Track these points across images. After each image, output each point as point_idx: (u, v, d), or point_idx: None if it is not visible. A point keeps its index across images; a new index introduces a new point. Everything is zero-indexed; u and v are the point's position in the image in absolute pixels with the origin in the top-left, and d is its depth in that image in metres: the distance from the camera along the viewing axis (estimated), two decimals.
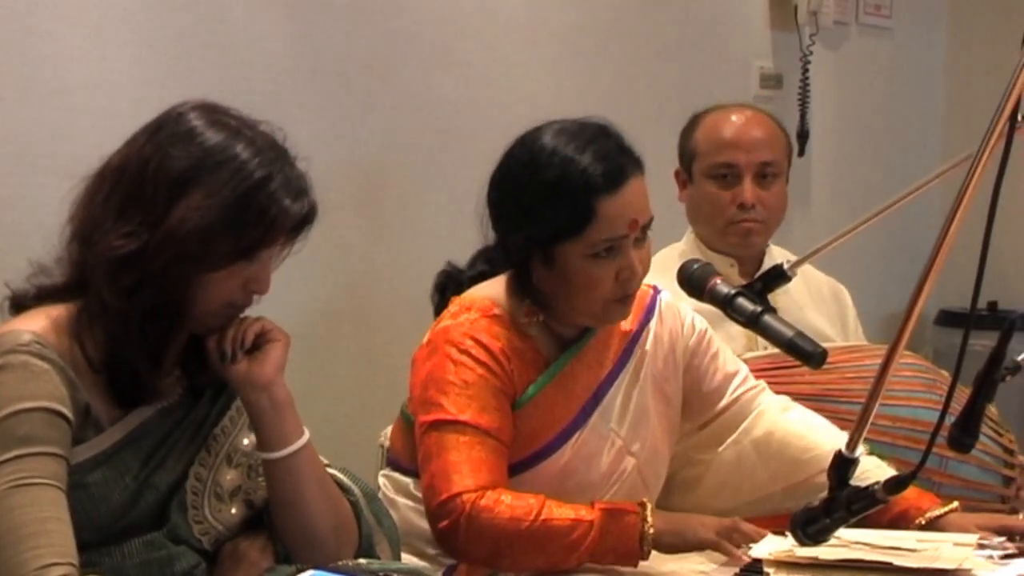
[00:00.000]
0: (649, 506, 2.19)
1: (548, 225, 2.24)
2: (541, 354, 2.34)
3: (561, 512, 2.17)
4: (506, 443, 2.25)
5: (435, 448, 2.22)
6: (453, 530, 2.17)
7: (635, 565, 2.18)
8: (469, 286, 2.40)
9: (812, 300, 3.13)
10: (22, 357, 1.84)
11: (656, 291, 2.48)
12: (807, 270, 3.05)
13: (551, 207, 2.23)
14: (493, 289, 2.36)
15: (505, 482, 2.22)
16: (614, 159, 2.25)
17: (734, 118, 3.05)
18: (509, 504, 2.16)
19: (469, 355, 2.26)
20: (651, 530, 2.16)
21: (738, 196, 2.99)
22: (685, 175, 3.08)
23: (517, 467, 2.30)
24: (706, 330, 2.51)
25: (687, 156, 3.07)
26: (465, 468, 2.19)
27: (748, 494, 2.48)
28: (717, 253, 3.03)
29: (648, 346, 2.43)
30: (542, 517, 2.16)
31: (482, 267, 2.43)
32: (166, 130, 1.95)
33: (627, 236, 2.25)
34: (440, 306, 2.43)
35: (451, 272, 2.48)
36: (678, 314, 2.48)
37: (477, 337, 2.28)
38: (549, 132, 2.29)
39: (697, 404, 2.50)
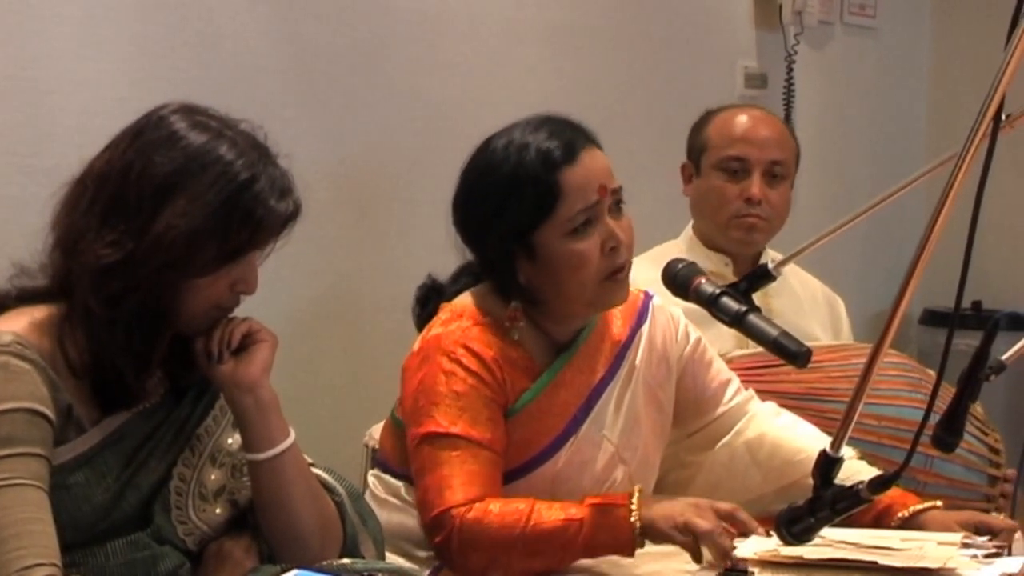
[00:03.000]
0: (636, 497, 2.15)
1: (519, 214, 2.24)
2: (534, 362, 2.33)
3: (551, 514, 2.16)
4: (499, 453, 2.24)
5: (428, 462, 2.22)
6: (447, 545, 2.17)
7: (631, 555, 2.16)
8: (452, 299, 2.38)
9: (807, 306, 3.14)
10: (2, 358, 1.83)
11: (647, 296, 2.47)
12: (803, 276, 3.07)
13: (517, 195, 2.24)
14: (480, 296, 2.35)
15: (498, 492, 2.21)
16: (565, 134, 2.28)
17: (748, 115, 3.08)
18: (498, 513, 2.15)
19: (460, 364, 2.25)
20: (637, 523, 2.13)
21: (745, 190, 3.00)
22: (692, 168, 3.10)
23: (510, 475, 2.29)
24: (700, 338, 2.50)
25: (696, 149, 3.09)
26: (456, 482, 2.18)
27: (740, 495, 2.47)
28: (714, 251, 3.03)
29: (641, 351, 2.41)
30: (532, 521, 2.15)
31: (466, 281, 2.40)
32: (147, 134, 1.93)
33: (600, 202, 2.25)
34: (421, 319, 2.41)
35: (433, 285, 2.45)
36: (671, 319, 2.47)
37: (469, 345, 2.26)
38: (497, 137, 2.32)
39: (692, 412, 2.50)
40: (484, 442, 2.22)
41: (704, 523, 2.12)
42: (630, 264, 2.31)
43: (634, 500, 2.16)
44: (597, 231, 2.25)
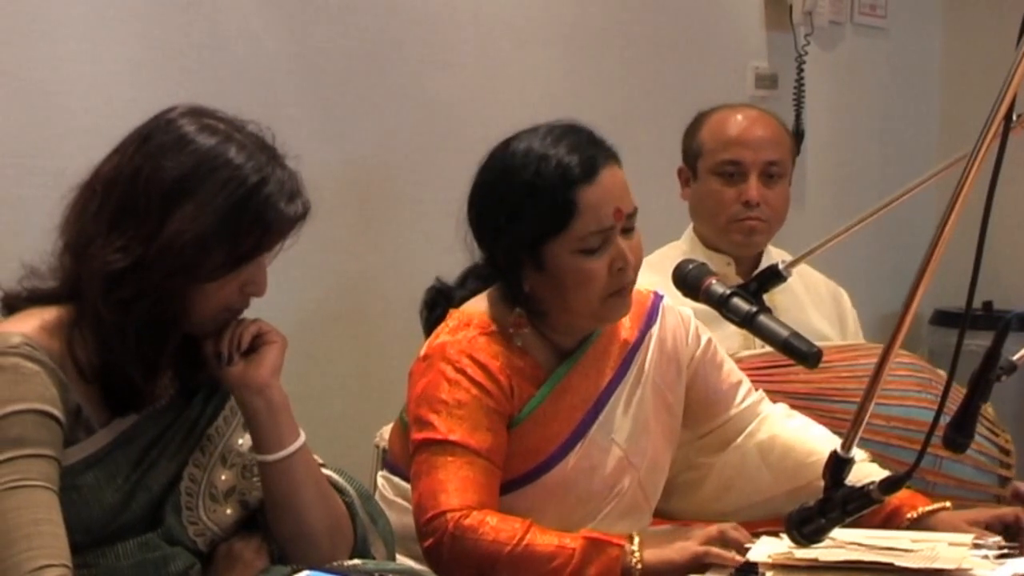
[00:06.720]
0: (637, 539, 2.15)
1: (532, 224, 2.23)
2: (540, 369, 2.32)
3: (545, 539, 2.14)
4: (497, 464, 2.24)
5: (425, 467, 2.21)
6: (437, 549, 2.16)
7: None
8: (460, 304, 2.37)
9: (811, 301, 3.12)
10: (12, 359, 1.84)
11: (658, 296, 2.46)
12: (805, 271, 3.05)
13: (532, 206, 2.22)
14: (489, 303, 2.34)
15: (494, 502, 2.21)
16: (587, 149, 2.25)
17: (740, 117, 3.05)
18: (493, 526, 2.14)
19: (464, 374, 2.24)
20: (638, 564, 2.11)
21: (743, 194, 2.98)
22: (688, 172, 3.08)
23: (519, 481, 2.28)
24: (711, 339, 2.49)
25: (692, 153, 3.07)
26: (452, 487, 2.17)
27: (750, 497, 2.47)
28: (716, 252, 3.02)
29: (650, 353, 2.40)
30: (525, 542, 2.13)
31: (473, 285, 2.39)
32: (156, 138, 1.93)
33: (614, 227, 2.23)
34: (429, 323, 2.40)
35: (441, 289, 2.44)
36: (681, 320, 2.46)
37: (474, 356, 2.26)
38: (518, 139, 2.29)
39: (703, 415, 2.49)
40: (482, 451, 2.21)
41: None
42: (634, 281, 2.31)
43: (635, 543, 2.14)
44: (608, 252, 2.24)
